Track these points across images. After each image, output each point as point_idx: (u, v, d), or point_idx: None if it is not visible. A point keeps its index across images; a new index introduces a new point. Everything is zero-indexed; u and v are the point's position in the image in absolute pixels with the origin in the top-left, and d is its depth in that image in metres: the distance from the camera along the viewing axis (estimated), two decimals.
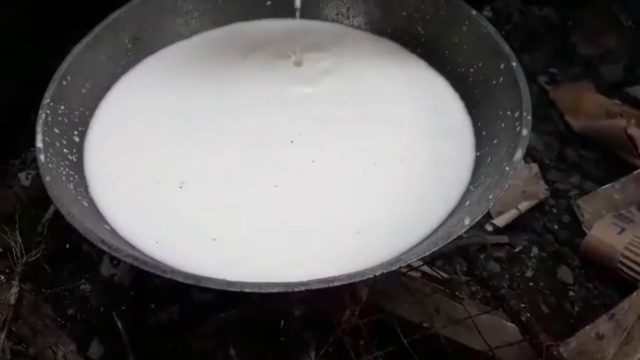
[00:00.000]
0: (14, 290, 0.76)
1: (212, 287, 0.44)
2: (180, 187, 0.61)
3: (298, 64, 0.74)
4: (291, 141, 0.65)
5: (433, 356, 0.63)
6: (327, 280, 0.45)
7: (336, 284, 0.45)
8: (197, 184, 0.62)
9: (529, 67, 1.17)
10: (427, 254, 0.48)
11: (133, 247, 0.56)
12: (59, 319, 0.78)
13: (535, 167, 1.01)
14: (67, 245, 0.85)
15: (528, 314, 0.68)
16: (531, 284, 0.89)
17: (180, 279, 0.45)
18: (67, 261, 0.85)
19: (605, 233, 0.89)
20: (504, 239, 0.93)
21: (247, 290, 0.44)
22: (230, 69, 0.74)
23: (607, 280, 0.88)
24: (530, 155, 1.03)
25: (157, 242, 0.56)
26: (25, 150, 0.98)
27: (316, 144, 0.65)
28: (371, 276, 0.46)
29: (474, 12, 0.68)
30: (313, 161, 0.63)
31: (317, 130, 0.66)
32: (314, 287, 0.45)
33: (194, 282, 0.44)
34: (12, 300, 0.75)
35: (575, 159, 1.05)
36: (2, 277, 0.81)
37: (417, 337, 0.63)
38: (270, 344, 0.67)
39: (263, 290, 0.44)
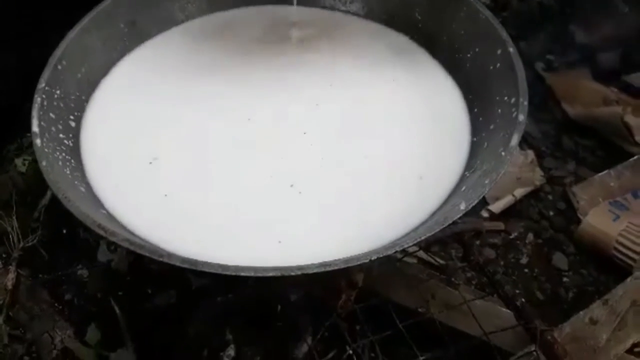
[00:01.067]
0: (11, 275, 0.76)
1: (207, 271, 0.44)
2: (180, 172, 0.61)
3: (294, 49, 0.74)
4: (290, 128, 0.65)
5: (428, 341, 0.64)
6: (323, 264, 0.46)
7: (332, 268, 0.46)
8: (198, 169, 0.61)
9: (526, 54, 1.17)
10: (422, 238, 0.49)
11: (130, 232, 0.56)
12: (56, 304, 0.79)
13: (531, 154, 1.02)
14: (64, 231, 0.86)
15: (523, 300, 0.68)
16: (526, 270, 0.89)
17: (176, 263, 0.45)
18: (64, 246, 0.85)
19: (600, 220, 0.89)
20: (500, 225, 0.93)
21: (243, 274, 0.44)
22: (226, 54, 0.74)
23: (601, 267, 0.89)
24: (526, 142, 1.04)
25: (149, 224, 0.56)
26: (21, 135, 0.98)
27: (308, 128, 0.65)
28: (366, 261, 0.46)
29: None
30: (305, 144, 0.63)
31: (309, 114, 0.66)
32: (310, 271, 0.45)
33: (190, 265, 0.44)
34: (10, 286, 0.75)
35: (572, 146, 1.05)
36: None
37: (412, 322, 0.64)
38: (266, 328, 0.68)
39: (259, 274, 0.44)
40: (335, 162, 0.61)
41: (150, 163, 0.62)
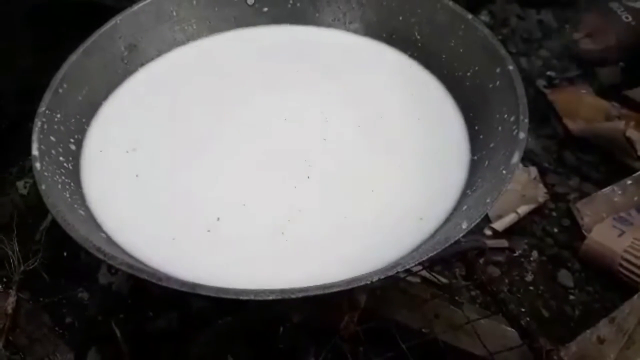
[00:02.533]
0: (12, 299, 0.76)
1: (206, 295, 0.44)
2: (182, 197, 0.61)
3: (291, 70, 0.74)
4: (289, 145, 0.65)
5: None
6: (324, 286, 0.45)
7: (334, 290, 0.45)
8: (200, 194, 0.61)
9: (527, 71, 1.17)
10: (424, 258, 0.48)
11: (130, 255, 0.55)
12: (56, 328, 0.78)
13: (534, 170, 1.01)
14: (65, 254, 0.85)
15: (528, 319, 0.67)
16: (531, 288, 0.88)
17: (175, 287, 0.45)
18: (64, 269, 0.85)
19: (605, 236, 0.88)
20: (504, 243, 0.92)
21: (242, 297, 0.44)
22: (227, 75, 0.74)
23: (607, 284, 0.88)
24: (529, 159, 1.03)
25: (149, 246, 0.56)
26: (23, 158, 0.98)
27: (310, 148, 0.65)
28: (368, 282, 0.46)
29: (469, 16, 0.68)
30: (306, 161, 0.63)
31: (311, 134, 0.66)
32: (311, 293, 0.45)
33: (189, 289, 0.44)
34: (10, 309, 0.75)
35: (574, 162, 1.05)
36: (0, 286, 0.80)
37: (416, 342, 0.63)
38: (268, 350, 0.67)
39: (259, 298, 0.44)
40: (335, 184, 0.61)
41: (152, 187, 0.62)
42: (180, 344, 0.70)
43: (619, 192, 0.96)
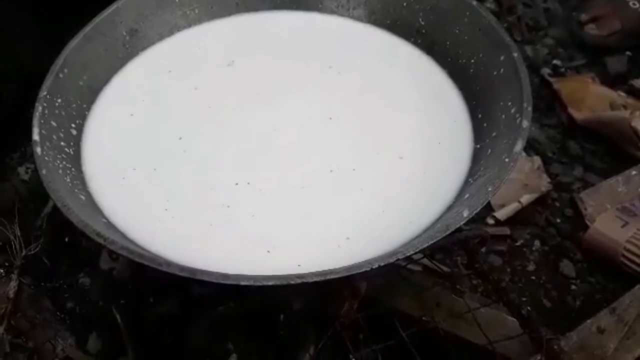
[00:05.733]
0: (13, 283, 0.76)
1: (207, 280, 0.44)
2: (182, 180, 0.61)
3: (293, 58, 0.74)
4: (282, 131, 0.65)
5: (432, 350, 0.63)
6: (324, 272, 0.45)
7: (333, 276, 0.45)
8: (199, 180, 0.61)
9: (532, 59, 1.16)
10: (424, 246, 0.48)
11: (130, 241, 0.55)
12: (58, 313, 0.78)
13: (537, 160, 1.01)
14: (66, 239, 0.85)
15: (528, 308, 0.67)
16: (533, 277, 0.88)
17: (175, 272, 0.45)
18: (66, 255, 0.85)
19: (608, 226, 0.88)
20: (505, 230, 0.92)
21: (243, 283, 0.43)
22: (228, 60, 0.74)
23: (609, 274, 0.87)
24: (532, 148, 1.03)
25: (150, 233, 0.56)
26: (24, 143, 0.98)
27: (312, 136, 0.65)
28: (368, 269, 0.46)
29: (474, 3, 0.68)
30: (308, 153, 0.63)
31: (313, 122, 0.66)
32: (310, 279, 0.45)
33: (189, 274, 0.44)
34: (12, 294, 0.75)
35: (579, 151, 1.04)
36: (2, 271, 0.81)
37: (416, 330, 0.63)
38: (268, 337, 0.67)
39: (258, 283, 0.44)
40: (337, 169, 0.61)
41: (151, 172, 0.62)
42: (181, 330, 0.70)
43: (623, 182, 0.96)
